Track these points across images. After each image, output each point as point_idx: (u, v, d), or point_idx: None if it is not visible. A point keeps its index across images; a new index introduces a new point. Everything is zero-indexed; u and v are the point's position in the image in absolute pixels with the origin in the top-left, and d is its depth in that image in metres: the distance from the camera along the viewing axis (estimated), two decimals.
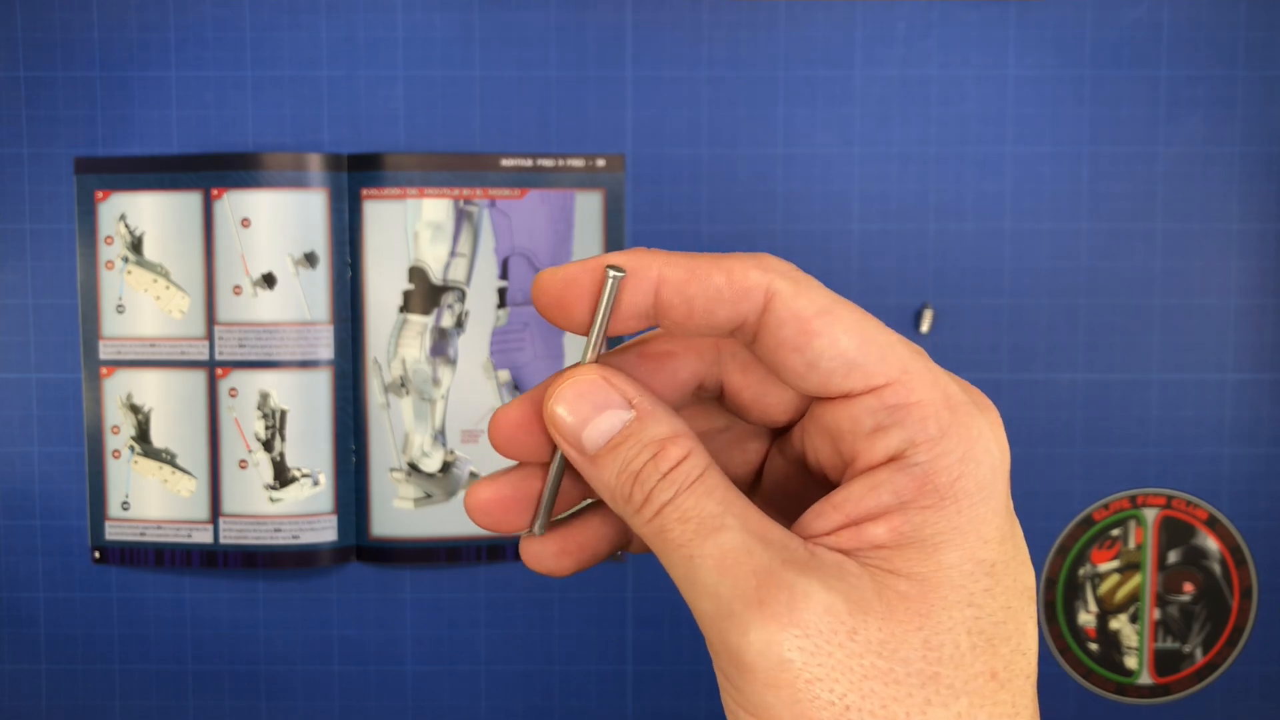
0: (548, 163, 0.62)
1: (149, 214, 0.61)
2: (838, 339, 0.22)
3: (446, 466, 0.62)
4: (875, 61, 0.62)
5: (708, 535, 0.21)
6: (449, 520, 0.62)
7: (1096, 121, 0.62)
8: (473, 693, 0.64)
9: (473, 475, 0.63)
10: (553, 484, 0.25)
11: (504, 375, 0.62)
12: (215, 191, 0.61)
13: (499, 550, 0.63)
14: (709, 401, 0.26)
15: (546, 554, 0.26)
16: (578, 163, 0.62)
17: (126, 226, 0.62)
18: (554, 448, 0.24)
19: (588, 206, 0.62)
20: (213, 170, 0.61)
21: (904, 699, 0.20)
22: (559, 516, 0.26)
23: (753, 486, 0.27)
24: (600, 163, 0.62)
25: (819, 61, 0.62)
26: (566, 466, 0.24)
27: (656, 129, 0.62)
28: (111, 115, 0.62)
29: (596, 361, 0.24)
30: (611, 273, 0.22)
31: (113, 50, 0.62)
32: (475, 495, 0.25)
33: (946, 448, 0.21)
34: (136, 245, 0.62)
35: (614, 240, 0.62)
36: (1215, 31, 0.62)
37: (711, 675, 0.63)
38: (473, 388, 0.62)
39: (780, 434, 0.26)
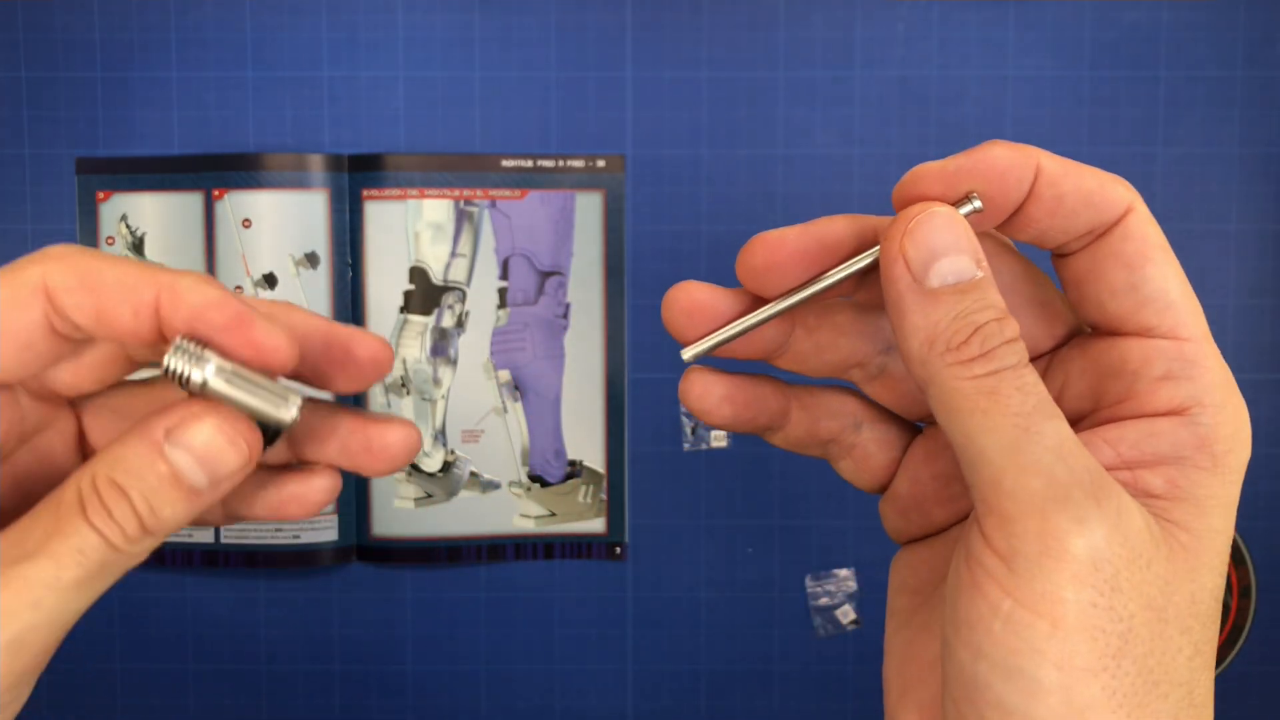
0: (548, 163, 0.62)
1: (150, 214, 0.62)
2: (1169, 277, 0.22)
3: (447, 466, 0.62)
4: (875, 61, 0.62)
5: (1048, 416, 0.21)
6: (449, 520, 0.62)
7: (1096, 121, 0.62)
8: (473, 693, 0.64)
9: (473, 475, 0.63)
10: (763, 318, 0.24)
11: (504, 375, 0.63)
12: (216, 192, 0.61)
13: (499, 550, 0.63)
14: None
15: (712, 394, 0.25)
16: (578, 163, 0.62)
17: (128, 227, 0.62)
18: (809, 279, 0.24)
19: (588, 207, 0.62)
20: (214, 171, 0.61)
21: (1166, 640, 0.20)
22: (724, 337, 0.25)
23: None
24: (600, 163, 0.62)
25: (819, 61, 0.62)
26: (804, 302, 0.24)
27: (656, 129, 0.62)
28: (112, 116, 0.62)
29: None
30: (973, 203, 0.22)
31: (114, 51, 0.62)
32: (688, 292, 0.24)
33: (1225, 418, 0.21)
34: (138, 246, 0.62)
35: (614, 240, 0.62)
36: (1215, 32, 0.62)
37: (710, 677, 0.64)
38: (473, 388, 0.62)
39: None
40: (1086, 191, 0.22)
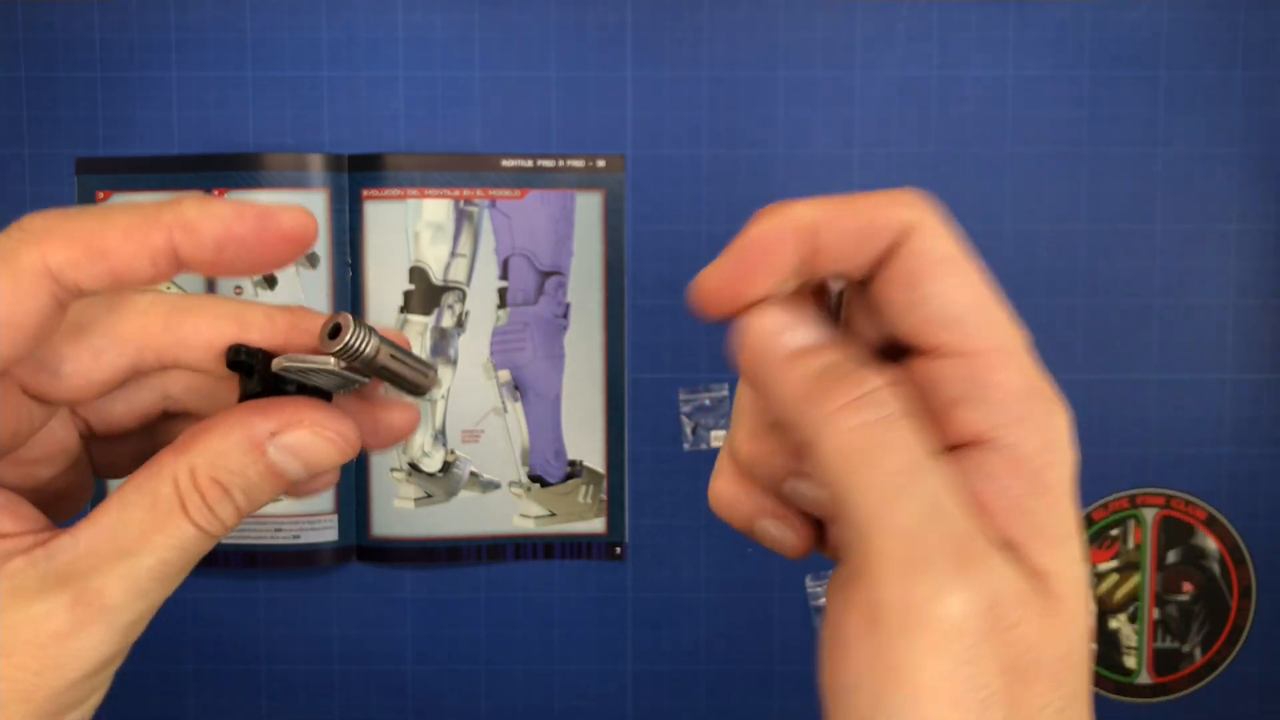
0: (548, 163, 0.62)
1: None
2: (956, 289, 0.21)
3: (447, 466, 0.62)
4: (875, 61, 0.62)
5: (923, 476, 0.20)
6: (449, 520, 0.62)
7: (1096, 121, 0.62)
8: (473, 693, 0.64)
9: (473, 475, 0.63)
10: None
11: (504, 375, 0.62)
12: (216, 192, 0.61)
13: (499, 550, 0.63)
14: None
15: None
16: (578, 163, 0.62)
17: None
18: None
19: (588, 207, 0.62)
20: (213, 171, 0.61)
21: (1031, 699, 0.19)
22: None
23: None
24: (600, 163, 0.62)
25: (819, 61, 0.62)
26: None
27: (656, 129, 0.62)
28: (112, 116, 0.62)
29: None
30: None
31: (113, 50, 0.62)
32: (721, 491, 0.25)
33: (1026, 433, 0.21)
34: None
35: (614, 240, 0.62)
36: (1215, 31, 0.62)
37: (710, 677, 0.64)
38: (473, 388, 0.62)
39: None
40: (852, 233, 0.21)
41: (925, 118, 0.62)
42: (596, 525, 0.63)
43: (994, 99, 0.62)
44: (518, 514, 0.63)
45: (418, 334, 0.62)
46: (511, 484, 0.63)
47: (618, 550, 0.63)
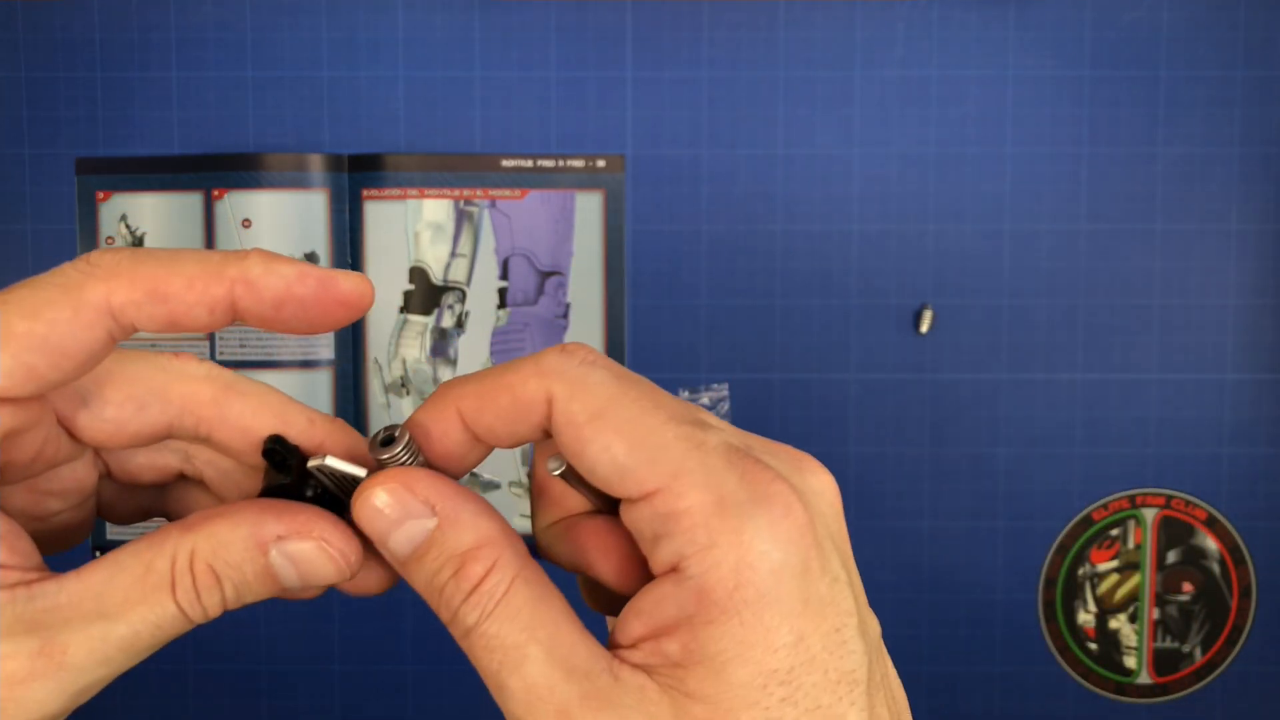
0: (548, 163, 0.62)
1: (150, 214, 0.62)
2: (609, 444, 0.21)
3: None
4: (875, 62, 0.62)
5: (514, 668, 0.21)
6: None
7: (1096, 122, 0.62)
8: (472, 693, 0.64)
9: (473, 475, 0.63)
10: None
11: None
12: (216, 192, 0.61)
13: None
14: None
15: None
16: (578, 163, 0.62)
17: (127, 227, 0.62)
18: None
19: (588, 207, 0.62)
20: (214, 171, 0.61)
21: None
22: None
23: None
24: (600, 163, 0.62)
25: (819, 61, 0.62)
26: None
27: (656, 129, 0.62)
28: (112, 116, 0.62)
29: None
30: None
31: (113, 51, 0.62)
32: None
33: (717, 558, 0.20)
34: (137, 245, 0.62)
35: (614, 240, 0.62)
36: (1215, 32, 0.62)
37: None
38: None
39: None
40: (506, 410, 0.22)
41: (925, 118, 0.62)
42: None
43: (994, 99, 0.62)
44: (518, 514, 0.63)
45: (417, 334, 0.62)
46: (511, 484, 0.63)
47: None
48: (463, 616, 0.22)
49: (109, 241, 0.62)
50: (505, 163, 0.62)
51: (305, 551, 0.23)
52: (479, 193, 0.62)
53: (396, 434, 0.23)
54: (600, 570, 0.24)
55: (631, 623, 0.21)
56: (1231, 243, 0.62)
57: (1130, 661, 0.64)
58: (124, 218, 0.62)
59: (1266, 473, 0.63)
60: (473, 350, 0.62)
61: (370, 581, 0.25)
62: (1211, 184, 0.62)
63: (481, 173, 0.62)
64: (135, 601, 0.21)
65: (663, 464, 0.21)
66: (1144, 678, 0.64)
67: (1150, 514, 0.63)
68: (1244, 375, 0.63)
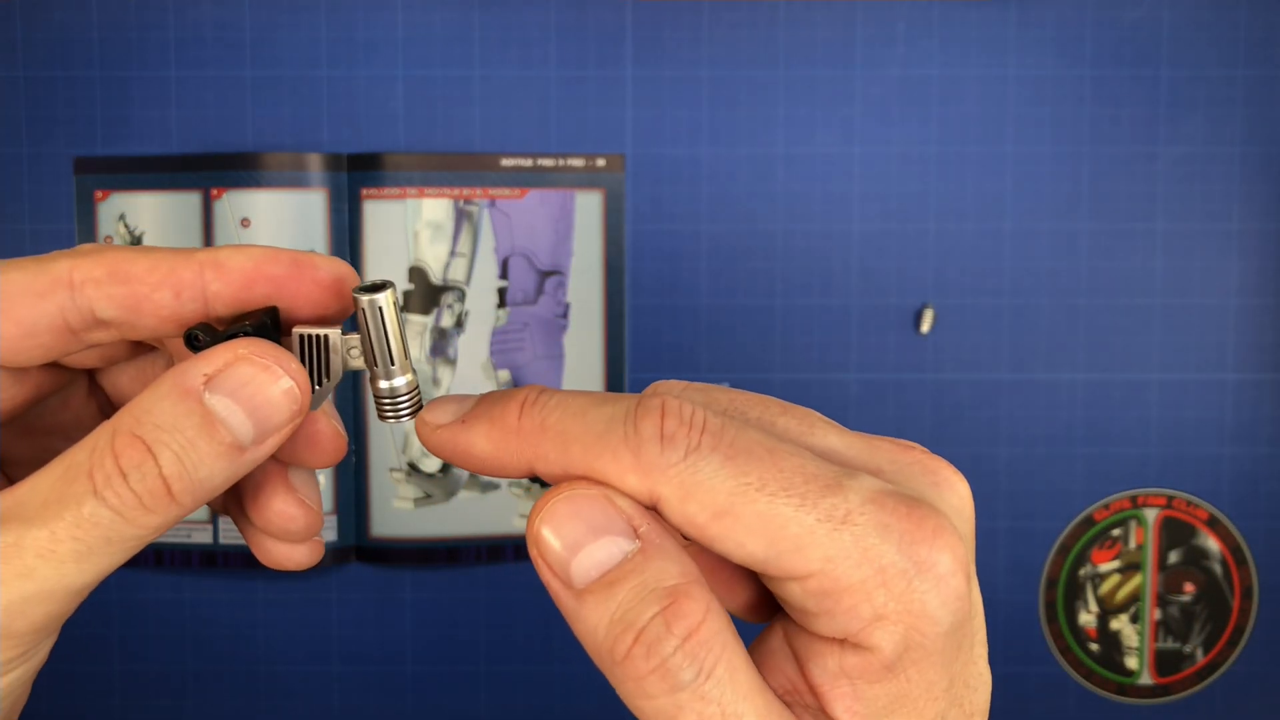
0: (548, 162, 0.62)
1: (148, 214, 0.61)
2: (743, 543, 0.19)
3: (446, 467, 0.62)
4: (875, 61, 0.62)
5: None
6: (449, 520, 0.62)
7: (1096, 121, 0.62)
8: (473, 693, 0.64)
9: (472, 475, 0.63)
10: None
11: (504, 375, 0.62)
12: (215, 191, 0.61)
13: (499, 550, 0.63)
14: None
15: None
16: (578, 163, 0.62)
17: (126, 226, 0.62)
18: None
19: (588, 206, 0.62)
20: (212, 170, 0.61)
21: None
22: None
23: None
24: (600, 163, 0.62)
25: (819, 61, 0.62)
26: None
27: (656, 129, 0.62)
28: (111, 115, 0.62)
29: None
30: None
31: (112, 50, 0.62)
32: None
33: (887, 630, 0.19)
34: (136, 245, 0.62)
35: (614, 240, 0.62)
36: (1215, 31, 0.61)
37: None
38: (473, 388, 0.62)
39: None
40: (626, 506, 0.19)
41: (925, 117, 0.62)
42: None
43: (995, 98, 0.62)
44: (517, 514, 0.63)
45: (417, 334, 0.62)
46: (511, 484, 0.63)
47: None
48: (675, 670, 0.18)
49: (108, 241, 0.62)
50: (505, 162, 0.62)
51: (243, 378, 0.20)
52: (478, 192, 0.62)
53: (384, 281, 0.21)
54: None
55: (781, 668, 0.20)
56: (1233, 242, 0.62)
57: (1132, 662, 0.63)
58: (122, 217, 0.62)
59: (1268, 473, 0.63)
60: (472, 350, 0.62)
61: (299, 553, 0.23)
62: (1213, 183, 0.62)
63: (481, 172, 0.62)
64: (51, 501, 0.19)
65: (811, 552, 0.18)
66: (1145, 678, 0.63)
67: (1152, 514, 0.63)
68: (1245, 375, 0.62)
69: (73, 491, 0.19)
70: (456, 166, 0.61)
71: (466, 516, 0.62)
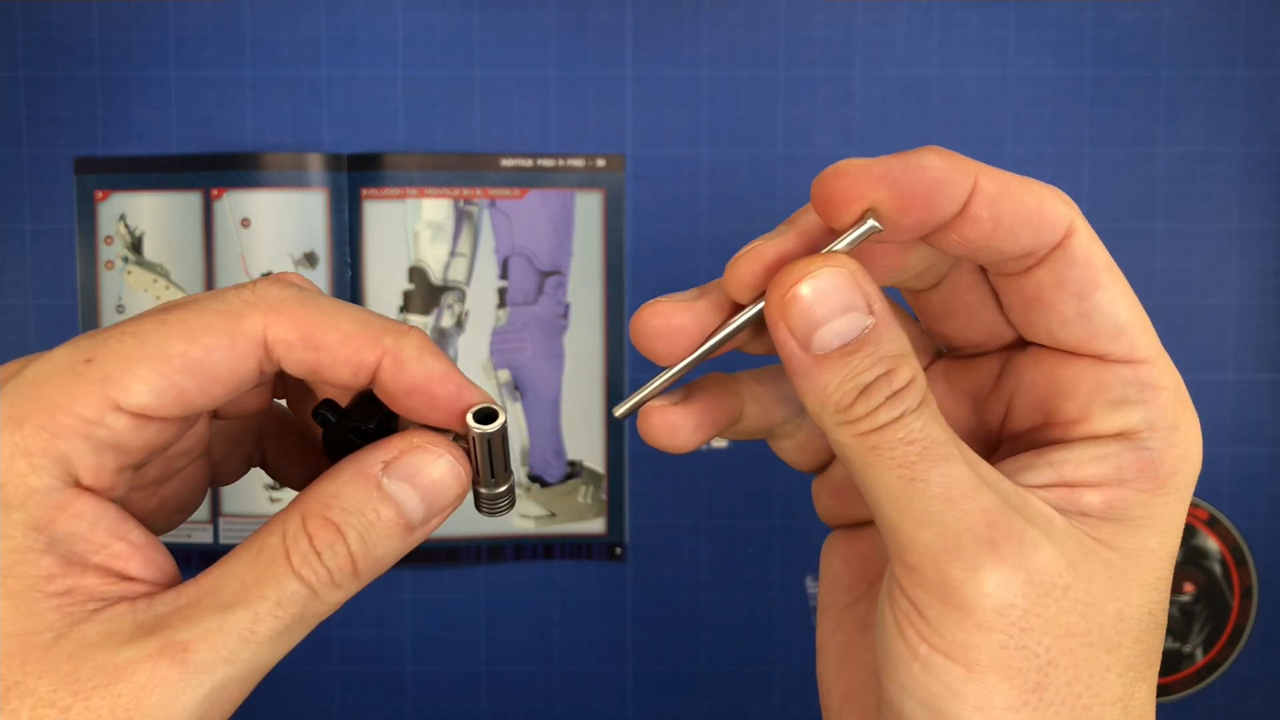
0: (548, 163, 0.62)
1: (149, 214, 0.61)
2: (1118, 299, 0.22)
3: None
4: (875, 61, 0.62)
5: (935, 462, 0.20)
6: (449, 520, 0.62)
7: (1097, 121, 0.62)
8: (473, 693, 0.64)
9: None
10: (678, 371, 0.23)
11: (504, 375, 0.62)
12: (215, 191, 0.61)
13: (499, 550, 0.63)
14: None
15: (682, 428, 0.24)
16: (578, 163, 0.62)
17: (126, 226, 0.62)
18: (715, 335, 0.23)
19: (588, 206, 0.62)
20: (212, 170, 0.61)
21: (1092, 662, 0.20)
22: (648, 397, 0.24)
23: None
24: (600, 163, 0.62)
25: (819, 61, 0.62)
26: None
27: (656, 129, 0.62)
28: (111, 115, 0.62)
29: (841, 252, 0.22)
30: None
31: (112, 50, 0.62)
32: (660, 315, 0.23)
33: (1176, 440, 0.21)
34: (136, 245, 0.62)
35: (614, 240, 0.62)
36: (1215, 31, 0.61)
37: (710, 677, 0.63)
38: None
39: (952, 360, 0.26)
40: (1026, 212, 0.21)
41: (925, 118, 0.62)
42: (596, 526, 0.63)
43: (994, 99, 0.62)
44: (517, 514, 0.63)
45: None
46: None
47: (617, 551, 0.63)
48: (881, 413, 0.20)
49: (108, 242, 0.62)
50: (505, 162, 0.62)
51: (416, 464, 0.22)
52: (479, 192, 0.62)
53: (496, 410, 0.22)
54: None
55: (1041, 469, 0.22)
56: (1233, 242, 0.62)
57: None
58: (123, 217, 0.62)
59: (1268, 473, 0.63)
60: (472, 350, 0.62)
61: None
62: (1213, 183, 0.62)
63: (481, 172, 0.62)
64: (250, 584, 0.20)
65: (1152, 339, 0.22)
66: None
67: None
68: (1245, 375, 0.62)
69: (271, 573, 0.21)
70: (456, 166, 0.61)
71: (467, 516, 0.62)
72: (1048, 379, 0.23)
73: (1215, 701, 0.63)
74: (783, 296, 0.21)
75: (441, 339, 0.62)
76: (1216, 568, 0.63)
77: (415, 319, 0.62)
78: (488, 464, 0.23)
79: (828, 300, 0.21)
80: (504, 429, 0.23)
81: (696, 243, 0.62)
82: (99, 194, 0.62)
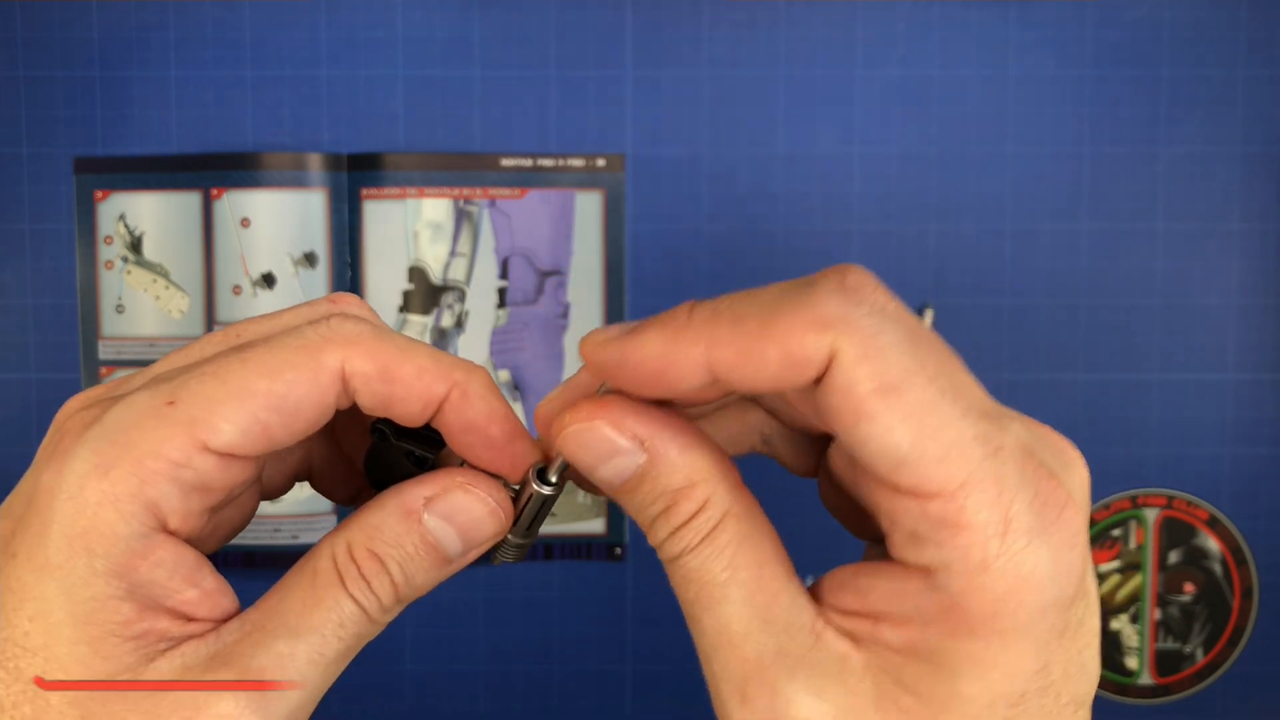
0: (548, 163, 0.62)
1: (148, 214, 0.61)
2: (892, 428, 0.18)
3: None
4: (875, 61, 0.62)
5: (708, 606, 0.21)
6: None
7: (1098, 121, 0.62)
8: (473, 693, 0.64)
9: None
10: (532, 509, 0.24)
11: (504, 375, 0.62)
12: (215, 191, 0.61)
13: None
14: None
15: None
16: (578, 163, 0.62)
17: (126, 226, 0.62)
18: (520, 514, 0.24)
19: (588, 206, 0.62)
20: (212, 170, 0.61)
21: None
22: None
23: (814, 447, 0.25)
24: (600, 163, 0.62)
25: (819, 61, 0.62)
26: None
27: (656, 128, 0.62)
28: (111, 115, 0.62)
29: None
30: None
31: (112, 50, 0.62)
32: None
33: (987, 583, 0.18)
34: (136, 245, 0.62)
35: (614, 240, 0.62)
36: (1215, 31, 0.61)
37: None
38: None
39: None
40: (772, 369, 0.19)
41: (925, 118, 0.62)
42: (596, 525, 0.63)
43: (994, 99, 0.62)
44: None
45: (417, 334, 0.62)
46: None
47: (617, 550, 0.63)
48: (668, 548, 0.21)
49: (107, 241, 0.62)
50: (505, 162, 0.62)
51: (458, 503, 0.22)
52: (478, 192, 0.62)
53: (555, 467, 0.23)
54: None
55: (848, 593, 0.20)
56: (1234, 242, 0.62)
57: (1131, 662, 0.63)
58: (122, 217, 0.62)
59: (1268, 473, 0.63)
60: (472, 350, 0.62)
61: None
62: (1213, 183, 0.62)
63: (481, 172, 0.61)
64: (311, 606, 0.21)
65: (953, 466, 0.18)
66: (1145, 678, 0.63)
67: (1152, 514, 0.63)
68: (1246, 375, 0.62)
69: (331, 596, 0.21)
70: (456, 166, 0.61)
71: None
72: (869, 486, 0.20)
73: (1215, 701, 0.63)
74: (560, 448, 0.22)
75: (441, 339, 0.62)
76: (1217, 568, 0.63)
77: (415, 319, 0.62)
78: (530, 519, 0.24)
79: (589, 450, 0.21)
80: (559, 493, 0.23)
81: (696, 243, 0.62)
82: (99, 194, 0.62)
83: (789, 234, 0.62)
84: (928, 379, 0.18)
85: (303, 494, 0.61)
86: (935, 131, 0.62)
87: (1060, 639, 0.19)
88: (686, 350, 0.19)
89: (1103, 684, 0.64)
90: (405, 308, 0.62)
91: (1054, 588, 0.18)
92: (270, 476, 0.27)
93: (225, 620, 0.22)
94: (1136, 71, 0.62)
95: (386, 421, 0.24)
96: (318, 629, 0.21)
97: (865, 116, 0.62)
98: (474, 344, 0.62)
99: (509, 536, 0.24)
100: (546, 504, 0.24)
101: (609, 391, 0.22)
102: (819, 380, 0.19)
